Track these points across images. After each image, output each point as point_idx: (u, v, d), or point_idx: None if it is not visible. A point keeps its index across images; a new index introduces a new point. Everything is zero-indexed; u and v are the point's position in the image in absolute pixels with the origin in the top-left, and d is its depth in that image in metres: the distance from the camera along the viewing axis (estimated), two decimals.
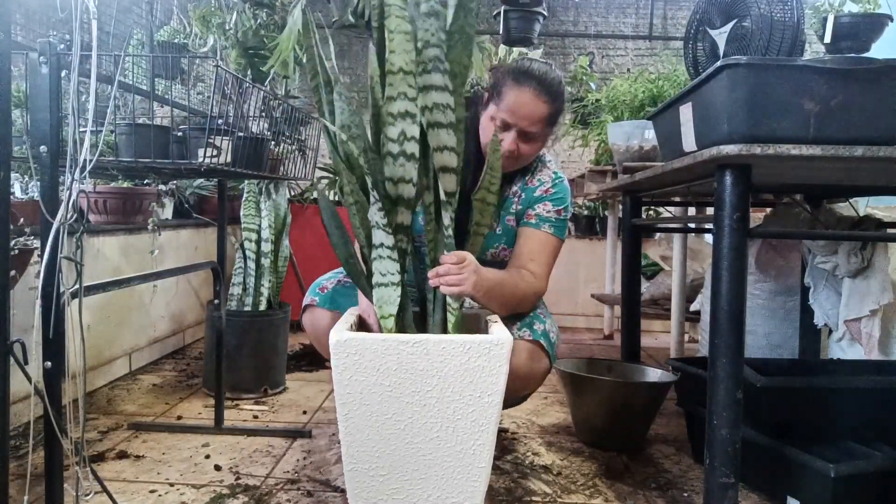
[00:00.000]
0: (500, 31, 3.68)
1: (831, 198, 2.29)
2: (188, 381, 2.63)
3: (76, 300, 1.19)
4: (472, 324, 1.42)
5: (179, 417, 2.18)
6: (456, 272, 1.23)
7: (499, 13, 3.70)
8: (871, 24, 1.58)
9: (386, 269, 1.22)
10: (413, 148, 1.19)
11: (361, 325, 1.40)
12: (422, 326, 1.34)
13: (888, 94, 1.16)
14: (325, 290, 1.66)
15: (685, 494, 1.70)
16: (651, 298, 3.45)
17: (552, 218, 1.60)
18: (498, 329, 1.22)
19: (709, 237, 2.92)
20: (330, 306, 1.62)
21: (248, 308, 2.51)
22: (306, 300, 1.67)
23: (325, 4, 5.01)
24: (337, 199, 3.92)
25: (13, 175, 1.95)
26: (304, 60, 2.35)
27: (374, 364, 1.13)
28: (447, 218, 1.25)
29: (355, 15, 2.66)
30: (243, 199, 2.53)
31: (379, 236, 1.21)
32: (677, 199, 2.65)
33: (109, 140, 1.59)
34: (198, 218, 3.22)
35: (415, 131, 1.19)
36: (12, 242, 1.31)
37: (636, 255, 2.48)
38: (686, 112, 1.37)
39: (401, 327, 1.27)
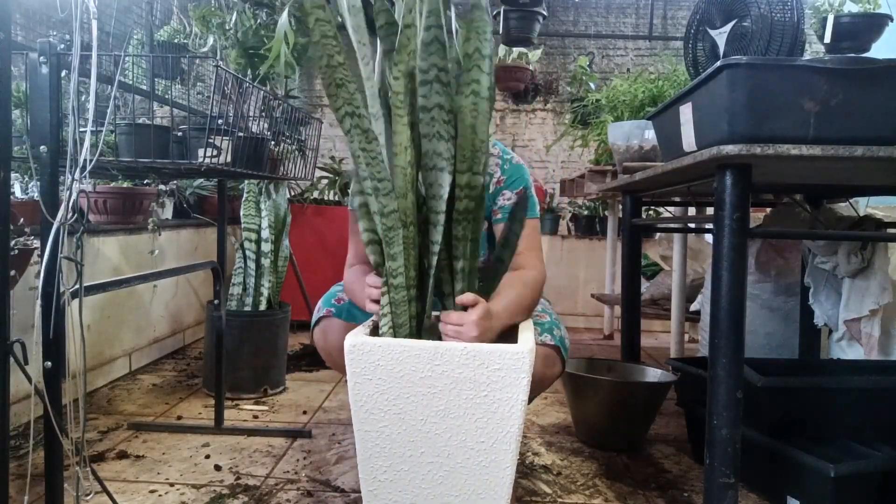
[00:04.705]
0: (500, 31, 3.68)
1: (831, 198, 2.28)
2: (188, 381, 2.63)
3: (76, 300, 1.19)
4: (509, 328, 1.39)
5: (179, 417, 2.18)
6: (457, 322, 1.18)
7: (498, 13, 3.69)
8: (871, 24, 1.58)
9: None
10: None
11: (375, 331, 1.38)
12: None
13: (888, 94, 1.16)
14: (342, 302, 1.58)
15: (685, 494, 1.70)
16: (651, 298, 3.45)
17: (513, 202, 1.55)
18: (524, 338, 1.18)
19: (709, 237, 2.92)
20: (346, 317, 1.54)
21: (248, 308, 2.51)
22: (320, 312, 1.58)
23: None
24: (336, 199, 3.92)
25: (13, 175, 1.95)
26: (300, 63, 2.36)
27: (388, 369, 1.11)
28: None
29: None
30: (243, 199, 2.53)
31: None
32: (677, 199, 2.65)
33: (109, 140, 1.59)
34: (198, 218, 3.22)
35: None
36: (12, 242, 1.31)
37: (636, 255, 2.48)
38: (686, 112, 1.37)
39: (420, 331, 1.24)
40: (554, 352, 1.47)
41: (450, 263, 1.22)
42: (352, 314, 1.55)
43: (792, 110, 1.16)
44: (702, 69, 1.65)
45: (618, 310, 3.27)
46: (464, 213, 1.18)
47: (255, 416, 2.23)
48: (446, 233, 1.19)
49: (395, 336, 1.20)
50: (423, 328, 1.23)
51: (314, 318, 1.60)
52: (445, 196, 1.15)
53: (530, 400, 1.75)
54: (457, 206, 1.17)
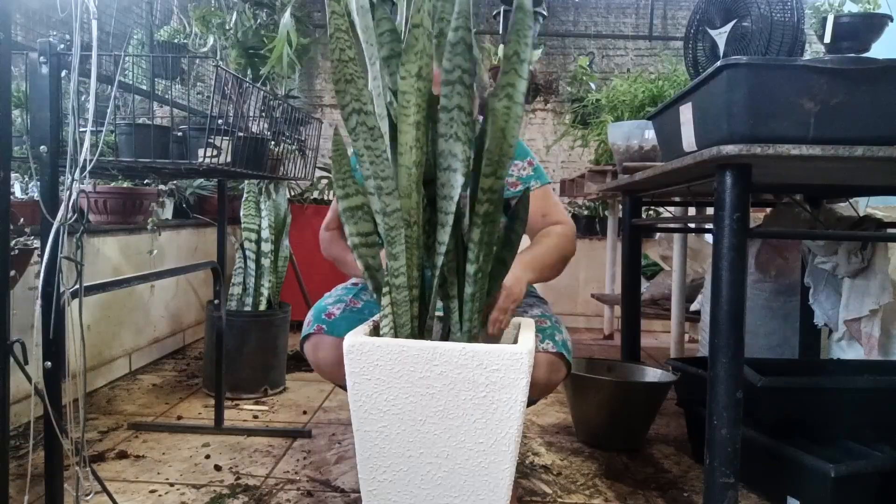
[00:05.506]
0: (500, 31, 3.68)
1: (831, 198, 2.29)
2: (188, 381, 2.63)
3: (76, 300, 1.19)
4: (508, 329, 1.39)
5: (179, 417, 2.18)
6: (504, 313, 1.30)
7: (499, 13, 3.70)
8: (871, 24, 1.58)
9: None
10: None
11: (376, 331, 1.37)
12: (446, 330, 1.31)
13: (888, 94, 1.15)
14: (333, 317, 1.56)
15: (685, 494, 1.70)
16: (651, 298, 3.45)
17: (529, 172, 1.66)
18: (523, 339, 1.18)
19: (709, 237, 2.92)
20: (338, 334, 1.51)
21: (248, 308, 2.51)
22: (310, 327, 1.55)
23: (324, 4, 5.02)
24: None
25: (13, 175, 1.95)
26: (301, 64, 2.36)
27: (387, 369, 1.11)
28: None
29: None
30: (243, 199, 2.53)
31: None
32: (677, 199, 2.65)
33: (109, 140, 1.58)
34: (198, 218, 3.22)
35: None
36: (12, 242, 1.31)
37: (636, 255, 2.48)
38: (686, 112, 1.37)
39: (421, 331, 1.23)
40: (557, 358, 1.47)
41: (462, 266, 1.21)
42: (342, 330, 1.51)
43: (792, 110, 1.15)
44: (702, 69, 1.65)
45: (618, 310, 3.27)
46: (483, 217, 1.17)
47: (255, 416, 2.23)
48: (454, 234, 1.18)
49: (396, 336, 1.19)
50: (426, 329, 1.23)
51: (304, 332, 1.57)
52: (456, 197, 1.14)
53: (536, 401, 1.76)
54: (476, 210, 1.16)
